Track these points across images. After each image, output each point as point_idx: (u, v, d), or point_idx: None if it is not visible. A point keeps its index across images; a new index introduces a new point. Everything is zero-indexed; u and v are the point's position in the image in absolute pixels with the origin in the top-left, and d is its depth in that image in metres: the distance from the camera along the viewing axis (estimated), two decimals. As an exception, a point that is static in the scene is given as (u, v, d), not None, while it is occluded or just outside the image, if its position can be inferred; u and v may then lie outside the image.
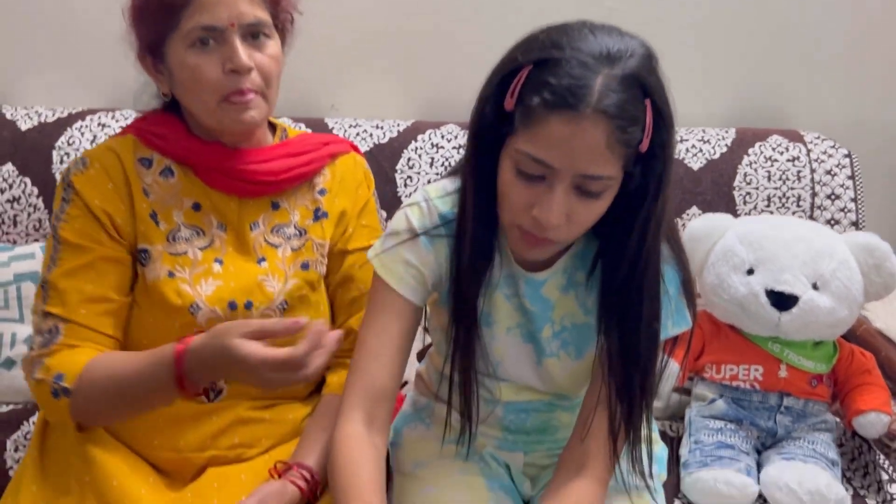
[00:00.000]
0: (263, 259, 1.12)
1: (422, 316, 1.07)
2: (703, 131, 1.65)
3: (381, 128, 1.62)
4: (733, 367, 1.38)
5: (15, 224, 1.56)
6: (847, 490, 1.26)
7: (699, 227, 1.40)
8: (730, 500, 1.25)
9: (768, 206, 1.58)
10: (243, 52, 1.03)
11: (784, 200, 1.58)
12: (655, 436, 1.14)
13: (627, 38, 0.90)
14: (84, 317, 1.05)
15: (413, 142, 1.60)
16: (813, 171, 1.59)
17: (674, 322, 1.02)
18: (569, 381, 1.10)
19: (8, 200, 1.55)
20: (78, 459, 1.05)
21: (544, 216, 0.91)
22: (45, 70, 1.73)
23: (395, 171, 1.58)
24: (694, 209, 1.57)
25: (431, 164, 1.59)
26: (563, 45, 0.88)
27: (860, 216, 1.58)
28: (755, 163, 1.60)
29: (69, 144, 1.57)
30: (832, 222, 1.57)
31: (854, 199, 1.58)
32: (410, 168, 1.59)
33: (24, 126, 1.59)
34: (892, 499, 1.26)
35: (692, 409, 1.40)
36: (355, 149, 1.25)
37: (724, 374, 1.38)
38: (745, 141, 1.62)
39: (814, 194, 1.58)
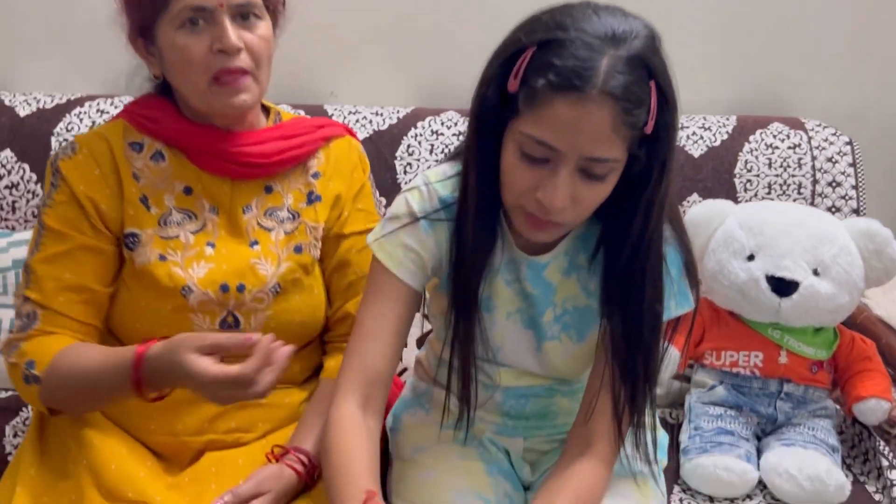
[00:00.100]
0: (256, 242, 1.12)
1: (420, 301, 1.06)
2: (704, 118, 1.64)
3: (381, 115, 1.62)
4: (733, 353, 1.37)
5: (14, 210, 1.56)
6: (847, 476, 1.26)
7: (700, 213, 1.40)
8: (729, 487, 1.25)
9: (769, 193, 1.57)
10: (232, 33, 1.03)
11: (785, 188, 1.58)
12: (656, 422, 1.13)
13: (631, 18, 0.89)
14: (61, 304, 1.06)
15: (413, 129, 1.60)
16: (814, 158, 1.59)
17: (677, 303, 1.02)
18: (569, 364, 1.09)
19: (6, 186, 1.55)
20: (76, 444, 1.05)
21: (548, 199, 0.91)
22: (43, 56, 1.72)
23: (395, 157, 1.58)
24: (694, 196, 1.56)
25: (431, 151, 1.58)
26: (568, 25, 0.87)
27: (861, 203, 1.57)
28: (756, 150, 1.59)
29: (68, 131, 1.56)
30: (833, 210, 1.57)
31: (855, 187, 1.58)
32: (410, 155, 1.58)
33: (22, 112, 1.58)
34: (893, 485, 1.26)
35: (692, 395, 1.40)
36: (350, 132, 1.25)
37: (724, 361, 1.38)
38: (745, 128, 1.62)
39: (815, 182, 1.58)
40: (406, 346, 1.47)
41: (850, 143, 1.60)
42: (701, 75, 1.72)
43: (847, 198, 1.57)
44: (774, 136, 1.61)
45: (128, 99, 1.56)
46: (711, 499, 1.27)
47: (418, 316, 1.46)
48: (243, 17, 1.05)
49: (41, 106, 1.59)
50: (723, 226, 1.38)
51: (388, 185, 1.55)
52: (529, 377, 1.12)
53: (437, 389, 1.17)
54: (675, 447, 1.34)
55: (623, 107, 0.86)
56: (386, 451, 1.23)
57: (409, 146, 1.58)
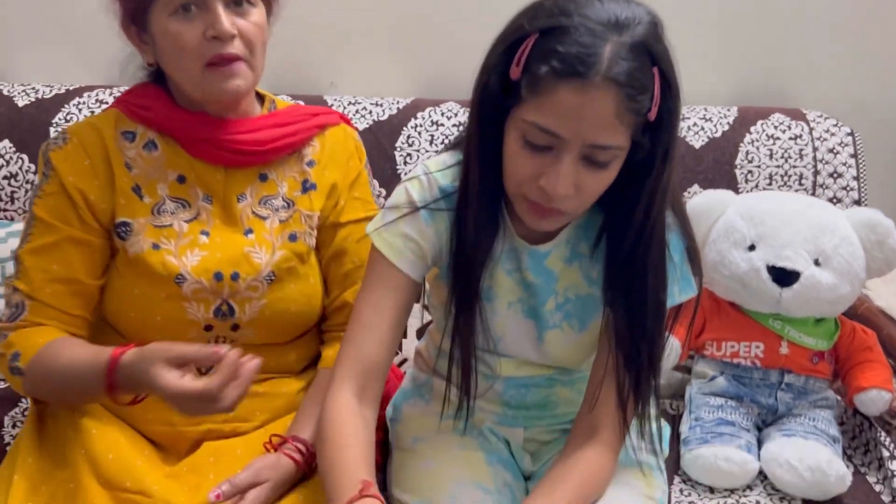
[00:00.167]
0: (250, 230, 1.12)
1: (419, 292, 1.06)
2: (705, 109, 1.64)
3: (381, 105, 1.62)
4: (734, 344, 1.37)
5: (12, 201, 1.55)
6: (848, 467, 1.26)
7: (700, 204, 1.39)
8: (730, 477, 1.25)
9: (770, 184, 1.57)
10: (225, 19, 1.03)
11: (786, 179, 1.57)
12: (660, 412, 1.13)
13: (634, 4, 0.89)
14: (49, 296, 1.06)
15: (413, 119, 1.59)
16: (815, 149, 1.58)
17: (680, 289, 1.02)
18: (571, 353, 1.09)
19: (5, 177, 1.54)
20: (74, 433, 1.04)
21: (552, 187, 0.90)
22: (42, 46, 1.72)
23: (395, 148, 1.57)
24: (695, 187, 1.56)
25: (431, 142, 1.58)
26: (571, 11, 0.87)
27: (862, 195, 1.57)
28: (757, 141, 1.59)
29: (67, 121, 1.56)
30: (834, 200, 1.56)
31: (856, 178, 1.57)
32: (410, 146, 1.58)
33: (21, 102, 1.58)
34: (893, 476, 1.26)
35: (692, 386, 1.40)
36: (346, 120, 1.24)
37: (724, 352, 1.38)
38: (747, 119, 1.61)
39: (816, 172, 1.57)
40: (406, 337, 1.49)
41: (851, 133, 1.60)
42: (702, 66, 1.71)
43: (848, 189, 1.57)
44: (776, 127, 1.60)
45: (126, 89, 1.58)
46: (712, 489, 1.26)
47: (418, 307, 1.47)
48: (236, 3, 1.05)
49: (40, 96, 1.59)
50: (723, 216, 1.38)
51: (387, 176, 1.55)
52: (530, 367, 1.11)
53: (436, 380, 1.17)
54: (675, 438, 1.34)
55: (627, 93, 0.86)
56: (386, 442, 1.23)
57: (409, 137, 1.58)
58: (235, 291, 1.09)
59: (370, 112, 1.60)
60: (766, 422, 1.36)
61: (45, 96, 1.59)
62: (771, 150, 1.58)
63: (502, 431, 1.15)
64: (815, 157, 1.58)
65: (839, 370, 1.39)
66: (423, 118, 1.60)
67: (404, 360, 1.47)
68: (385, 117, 1.60)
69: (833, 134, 1.60)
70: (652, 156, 0.92)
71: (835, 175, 1.57)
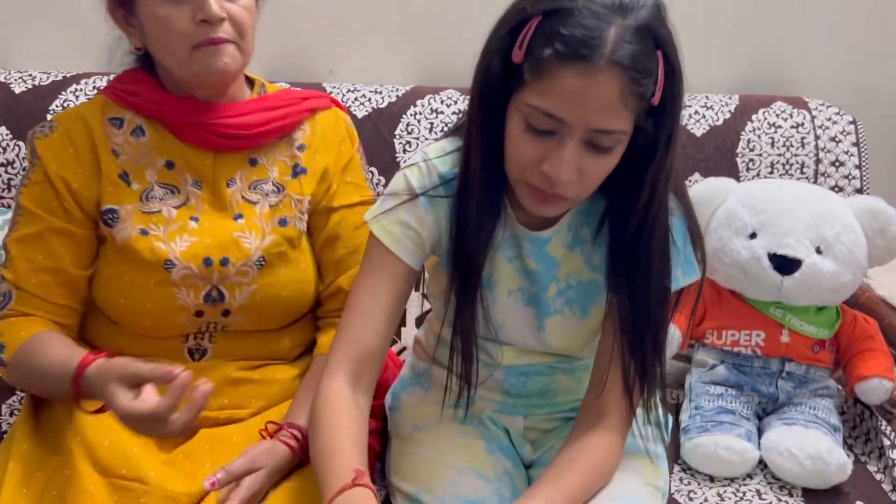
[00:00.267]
0: (240, 215, 1.11)
1: (416, 280, 1.05)
2: (707, 97, 1.63)
3: (380, 93, 1.61)
4: (734, 332, 1.36)
5: (9, 188, 1.54)
6: (848, 456, 1.25)
7: (701, 191, 1.38)
8: (730, 466, 1.24)
9: (772, 172, 1.56)
10: (214, 2, 1.02)
11: (788, 167, 1.56)
12: (666, 399, 1.13)
13: None
14: (34, 286, 1.06)
15: (412, 107, 1.58)
16: (817, 137, 1.57)
17: (683, 272, 1.01)
18: (572, 339, 1.08)
19: (1, 164, 1.53)
20: (70, 420, 1.04)
21: (555, 172, 0.89)
22: (39, 32, 1.71)
23: (394, 136, 1.57)
24: (696, 176, 1.55)
25: (431, 130, 1.57)
26: None
27: (864, 183, 1.56)
28: (759, 129, 1.58)
29: (64, 108, 1.55)
30: (836, 189, 1.55)
31: (858, 166, 1.56)
32: (409, 133, 1.57)
33: (17, 89, 1.57)
34: (894, 465, 1.25)
35: (692, 375, 1.39)
36: (337, 104, 1.23)
37: (725, 340, 1.37)
38: (748, 107, 1.61)
39: (818, 161, 1.57)
40: (405, 326, 1.49)
41: (853, 122, 1.59)
42: (704, 54, 1.70)
43: (850, 177, 1.56)
44: (777, 116, 1.59)
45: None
46: (712, 478, 1.26)
47: (418, 295, 1.47)
48: None
49: (37, 83, 1.58)
50: (725, 204, 1.37)
51: (387, 164, 1.55)
52: (530, 355, 1.11)
53: (436, 368, 1.17)
54: (675, 427, 1.33)
55: (631, 77, 0.85)
56: (385, 430, 1.23)
57: (408, 124, 1.57)
58: (225, 277, 1.08)
59: (369, 100, 1.59)
60: (766, 410, 1.36)
61: (41, 83, 1.58)
62: (772, 138, 1.57)
63: (502, 420, 1.14)
64: (816, 146, 1.57)
65: (840, 359, 1.38)
66: (423, 106, 1.59)
67: (403, 349, 1.47)
68: (384, 105, 1.59)
69: (835, 122, 1.59)
70: (655, 140, 0.91)
71: (836, 164, 1.56)
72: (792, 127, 1.58)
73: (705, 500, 1.21)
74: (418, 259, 1.02)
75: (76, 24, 1.67)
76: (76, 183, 1.07)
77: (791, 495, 1.22)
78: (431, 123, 1.57)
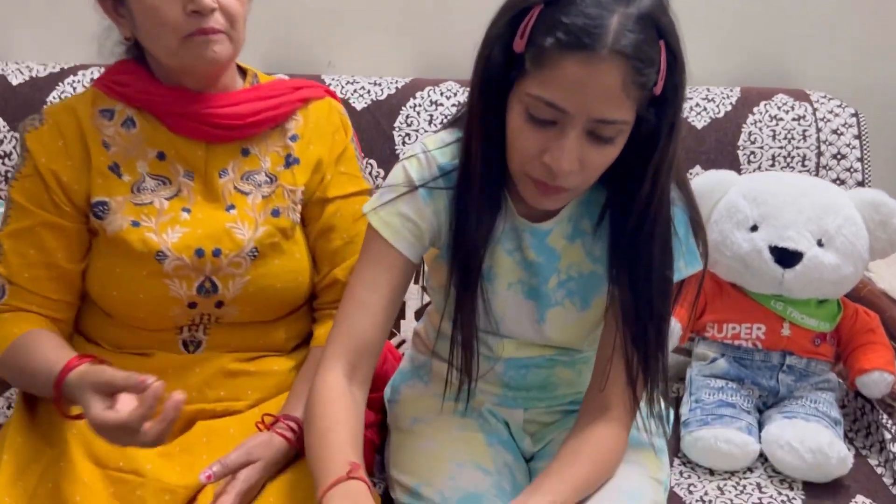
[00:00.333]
0: (232, 206, 1.10)
1: (414, 273, 1.05)
2: (708, 90, 1.62)
3: (379, 85, 1.60)
4: (735, 325, 1.36)
5: (6, 180, 1.53)
6: (849, 450, 1.25)
7: (702, 184, 1.38)
8: (730, 459, 1.24)
9: (773, 165, 1.55)
10: None
11: (789, 160, 1.56)
12: (668, 392, 1.12)
13: None
14: (27, 280, 1.06)
15: (412, 99, 1.58)
16: (819, 130, 1.57)
17: (686, 262, 1.01)
18: (572, 331, 1.08)
19: (-1, 156, 1.53)
20: (65, 411, 1.04)
21: (556, 163, 0.89)
22: (36, 24, 1.70)
23: (393, 128, 1.56)
24: (697, 168, 1.54)
25: (430, 122, 1.56)
26: None
27: (866, 176, 1.55)
28: (760, 122, 1.57)
29: (61, 100, 1.53)
30: (837, 182, 1.55)
31: (860, 159, 1.56)
32: (409, 125, 1.56)
33: (14, 81, 1.56)
34: (895, 458, 1.25)
35: (693, 368, 1.39)
36: (331, 94, 1.22)
37: (725, 333, 1.37)
38: (749, 100, 1.60)
39: (819, 154, 1.56)
40: (404, 319, 1.48)
41: (855, 114, 1.58)
42: (705, 46, 1.68)
43: (852, 170, 1.55)
44: (779, 108, 1.58)
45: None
46: (712, 472, 1.26)
47: (417, 288, 1.46)
48: None
49: (34, 74, 1.57)
50: (726, 196, 1.36)
51: (386, 156, 1.54)
52: (530, 348, 1.10)
53: (436, 361, 1.16)
54: (675, 420, 1.33)
55: (633, 66, 0.84)
56: (384, 423, 1.22)
57: (407, 117, 1.56)
58: (218, 268, 1.08)
59: (368, 92, 1.59)
60: (767, 404, 1.36)
61: (39, 75, 1.57)
62: (774, 130, 1.57)
63: (502, 412, 1.14)
64: (818, 139, 1.56)
65: (841, 352, 1.38)
66: (422, 98, 1.58)
67: (402, 342, 1.46)
68: (383, 97, 1.58)
69: (837, 115, 1.58)
70: (657, 130, 0.90)
71: (838, 156, 1.56)
72: (793, 119, 1.57)
73: (705, 493, 1.21)
74: (417, 251, 1.02)
75: (74, 15, 1.66)
76: (66, 176, 1.06)
77: (791, 489, 1.22)
78: (431, 116, 1.57)
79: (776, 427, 1.26)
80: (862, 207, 1.33)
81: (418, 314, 1.48)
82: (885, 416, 1.32)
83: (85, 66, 1.59)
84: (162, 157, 1.09)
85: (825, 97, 1.61)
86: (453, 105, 1.57)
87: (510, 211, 1.03)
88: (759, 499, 1.19)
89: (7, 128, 1.53)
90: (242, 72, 1.17)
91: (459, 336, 1.02)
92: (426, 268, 1.15)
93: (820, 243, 1.31)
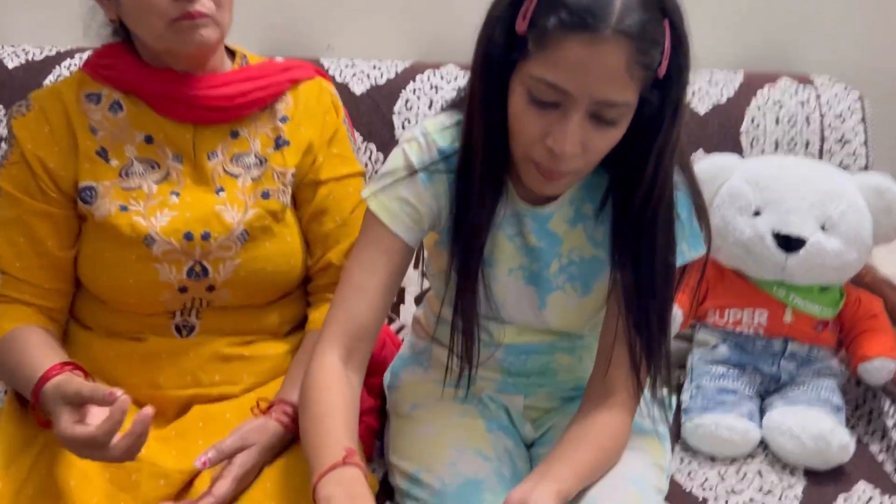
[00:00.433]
0: (222, 189, 1.09)
1: (412, 258, 1.04)
2: (711, 74, 1.60)
3: (379, 68, 1.58)
4: (737, 311, 1.35)
5: (3, 166, 1.52)
6: (851, 436, 1.24)
7: (705, 169, 1.36)
8: (731, 446, 1.24)
9: (776, 150, 1.53)
10: None
11: (792, 145, 1.54)
12: (671, 378, 1.12)
13: None
14: (19, 270, 1.06)
15: (411, 83, 1.56)
16: (822, 115, 1.55)
17: (689, 245, 1.00)
18: (573, 316, 1.07)
19: (-5, 141, 1.51)
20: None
21: (559, 146, 0.87)
22: (32, 7, 1.68)
23: (393, 112, 1.54)
24: (700, 153, 1.53)
25: (430, 106, 1.54)
26: None
27: (870, 161, 1.54)
28: (763, 106, 1.55)
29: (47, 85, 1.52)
30: (841, 167, 1.52)
31: (865, 144, 1.54)
32: (409, 110, 1.55)
33: (10, 64, 1.54)
34: (897, 445, 1.25)
35: (694, 354, 1.38)
36: (321, 74, 1.21)
37: (727, 320, 1.36)
38: (753, 84, 1.58)
39: (823, 139, 1.54)
40: (404, 304, 1.48)
41: (860, 98, 1.56)
42: (707, 29, 1.64)
43: (856, 155, 1.54)
44: (782, 92, 1.57)
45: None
46: (713, 458, 1.25)
47: (417, 273, 1.45)
48: None
49: (30, 58, 1.55)
50: (728, 181, 1.35)
51: (385, 141, 1.52)
52: (531, 334, 1.10)
53: (436, 347, 1.16)
54: (676, 406, 1.32)
55: (638, 47, 0.83)
56: (383, 409, 1.22)
57: (407, 101, 1.55)
58: (207, 252, 1.07)
59: (368, 75, 1.57)
60: (768, 390, 1.35)
61: (35, 58, 1.55)
62: (777, 115, 1.55)
63: (502, 399, 1.13)
64: (822, 123, 1.54)
65: (844, 339, 1.37)
66: (423, 82, 1.56)
67: (402, 328, 1.46)
68: (383, 81, 1.56)
69: (841, 99, 1.56)
70: (661, 112, 0.89)
71: (842, 141, 1.54)
72: (797, 104, 1.55)
73: (706, 479, 1.20)
74: (416, 236, 1.01)
75: (70, -2, 1.65)
76: (52, 162, 1.05)
77: (793, 475, 1.22)
78: (431, 100, 1.55)
79: (777, 414, 1.26)
80: (866, 192, 1.31)
81: (418, 300, 1.48)
82: (887, 403, 1.32)
83: (82, 50, 1.57)
84: (150, 141, 1.08)
85: (829, 81, 1.59)
86: (454, 89, 1.55)
87: (511, 195, 1.02)
88: (760, 485, 1.19)
89: (3, 111, 1.51)
90: (231, 53, 1.15)
91: (460, 322, 1.01)
92: (426, 253, 1.14)
93: (823, 229, 1.30)
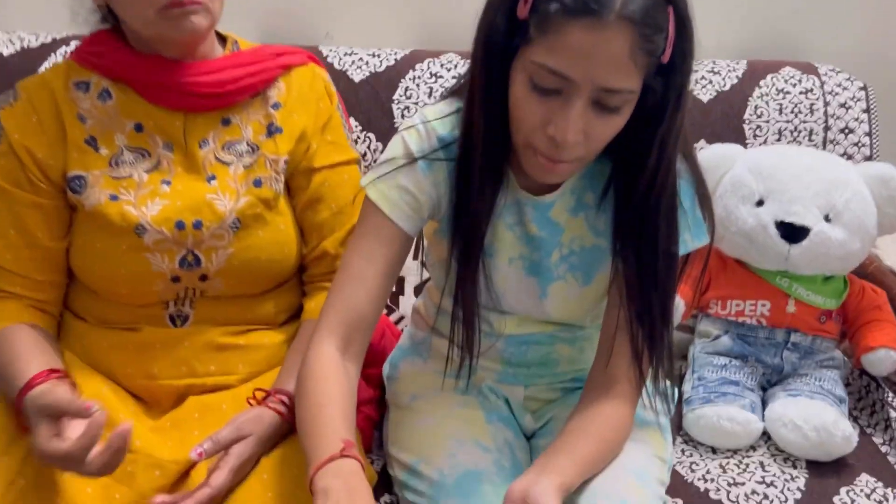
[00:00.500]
0: (213, 177, 1.08)
1: (411, 248, 1.02)
2: (714, 62, 1.59)
3: (378, 56, 1.57)
4: (739, 302, 1.34)
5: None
6: (854, 428, 1.24)
7: (708, 158, 1.35)
8: (733, 437, 1.23)
9: (779, 139, 1.52)
10: None
11: (796, 134, 1.53)
12: (673, 370, 1.11)
13: None
14: (10, 262, 1.05)
15: (411, 71, 1.54)
16: (826, 104, 1.53)
17: (692, 235, 0.99)
18: (574, 307, 1.06)
19: (-10, 128, 1.50)
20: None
21: (560, 134, 0.86)
22: (28, -7, 1.67)
23: (392, 101, 1.53)
24: (702, 143, 1.51)
25: (430, 95, 1.53)
26: None
27: (874, 151, 1.53)
28: (766, 95, 1.54)
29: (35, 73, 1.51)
30: (845, 157, 1.52)
31: (868, 134, 1.53)
32: (408, 98, 1.53)
33: (5, 51, 1.53)
34: (900, 437, 1.24)
35: (696, 345, 1.37)
36: (313, 59, 1.19)
37: (729, 310, 1.35)
38: (756, 73, 1.56)
39: (826, 128, 1.53)
40: (403, 294, 1.47)
41: (864, 88, 1.55)
42: (710, 17, 1.63)
43: (860, 145, 1.52)
44: (786, 81, 1.55)
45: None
46: (714, 450, 1.24)
47: (416, 264, 1.44)
48: None
49: (25, 45, 1.54)
50: (731, 170, 1.34)
51: (384, 130, 1.51)
52: (531, 324, 1.09)
53: (436, 338, 1.15)
54: (678, 398, 1.31)
55: (641, 32, 0.81)
56: (382, 400, 1.21)
57: (406, 89, 1.53)
58: (200, 241, 1.06)
59: (367, 63, 1.55)
60: (770, 382, 1.34)
61: (30, 45, 1.54)
62: (781, 104, 1.53)
63: (502, 389, 1.13)
64: (826, 112, 1.53)
65: (847, 330, 1.36)
66: (422, 70, 1.55)
67: (401, 318, 1.45)
68: (382, 69, 1.55)
69: (845, 88, 1.55)
70: (664, 100, 0.88)
71: (846, 131, 1.53)
72: (801, 93, 1.54)
73: (707, 471, 1.20)
74: (415, 224, 0.99)
75: (66, -16, 1.63)
76: (41, 152, 1.04)
77: (795, 467, 1.21)
78: (431, 88, 1.54)
79: (780, 405, 1.25)
80: (870, 182, 1.30)
81: (417, 290, 1.46)
82: (890, 395, 1.30)
83: (77, 37, 1.56)
84: (140, 129, 1.07)
85: (833, 70, 1.57)
86: (454, 77, 1.54)
87: (512, 184, 1.01)
88: (763, 477, 1.18)
89: (-4, 100, 1.50)
90: (222, 39, 1.14)
91: (461, 312, 1.00)
92: (425, 243, 1.13)
93: (827, 218, 1.29)
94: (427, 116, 1.00)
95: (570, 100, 0.85)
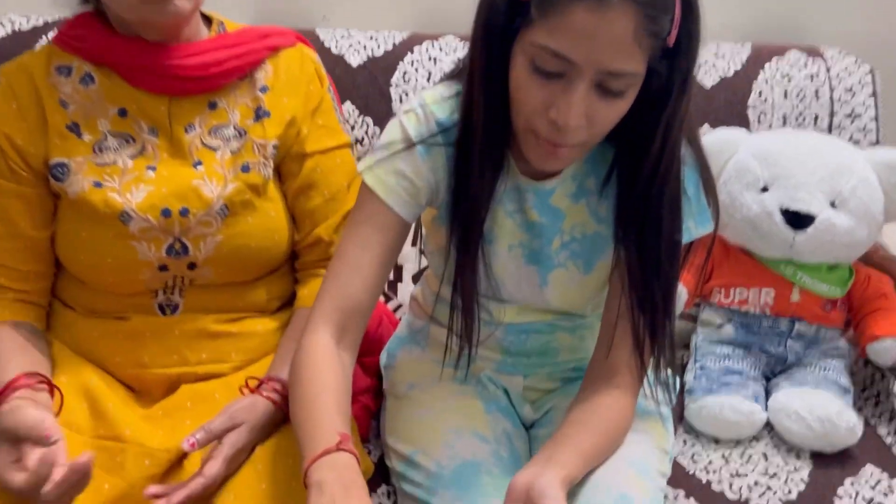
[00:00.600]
0: (200, 163, 1.05)
1: (408, 235, 1.01)
2: (717, 46, 1.57)
3: (376, 39, 1.54)
4: (743, 290, 1.32)
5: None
6: (858, 418, 1.22)
7: (711, 143, 1.32)
8: (736, 427, 1.22)
9: (784, 125, 1.50)
10: None
11: (801, 119, 1.51)
12: (675, 360, 1.09)
13: None
14: None
15: (409, 54, 1.52)
16: (832, 88, 1.51)
17: (696, 222, 0.97)
18: (575, 295, 1.04)
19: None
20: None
21: (562, 118, 0.84)
22: (18, -25, 1.64)
23: (390, 85, 1.50)
24: (706, 128, 1.49)
25: (429, 79, 1.51)
26: None
27: (881, 136, 1.51)
28: (771, 80, 1.52)
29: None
30: (851, 142, 1.50)
31: (875, 118, 1.51)
32: (406, 82, 1.51)
33: (-4, 34, 1.51)
34: (905, 427, 1.23)
35: (698, 334, 1.36)
36: (302, 40, 1.16)
37: (733, 299, 1.33)
38: (761, 57, 1.54)
39: (832, 113, 1.51)
40: (401, 282, 1.45)
41: (871, 72, 1.53)
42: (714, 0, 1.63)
43: (866, 130, 1.50)
44: (791, 65, 1.53)
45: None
46: (717, 440, 1.23)
47: (415, 251, 1.42)
48: None
49: (17, 28, 1.52)
50: (735, 156, 1.32)
51: (382, 114, 1.49)
52: (531, 313, 1.07)
53: (434, 327, 1.13)
54: (679, 387, 1.30)
55: (646, 13, 0.79)
56: (380, 389, 1.19)
57: (405, 73, 1.51)
58: (187, 228, 1.03)
59: (364, 47, 1.53)
60: (774, 371, 1.33)
61: (22, 28, 1.52)
62: (786, 89, 1.51)
63: (501, 379, 1.11)
64: (831, 97, 1.51)
65: (852, 318, 1.34)
66: (421, 53, 1.52)
67: (399, 306, 1.43)
68: (380, 52, 1.52)
69: (851, 72, 1.52)
70: (669, 84, 0.85)
71: (853, 115, 1.50)
72: (806, 77, 1.52)
73: (710, 462, 1.19)
74: (412, 211, 0.98)
75: (58, -35, 1.61)
76: (21, 139, 1.02)
77: (798, 458, 1.20)
78: (429, 72, 1.51)
79: (783, 395, 1.24)
80: (878, 168, 1.28)
81: (416, 278, 1.45)
82: (895, 385, 1.29)
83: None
84: (123, 114, 1.04)
85: (840, 53, 1.55)
86: (453, 61, 1.52)
87: (512, 169, 0.99)
88: (766, 468, 1.17)
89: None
90: (207, 21, 1.11)
91: (459, 301, 0.99)
92: (424, 230, 1.11)
93: (833, 205, 1.27)
94: (426, 100, 0.98)
95: (572, 83, 0.83)
